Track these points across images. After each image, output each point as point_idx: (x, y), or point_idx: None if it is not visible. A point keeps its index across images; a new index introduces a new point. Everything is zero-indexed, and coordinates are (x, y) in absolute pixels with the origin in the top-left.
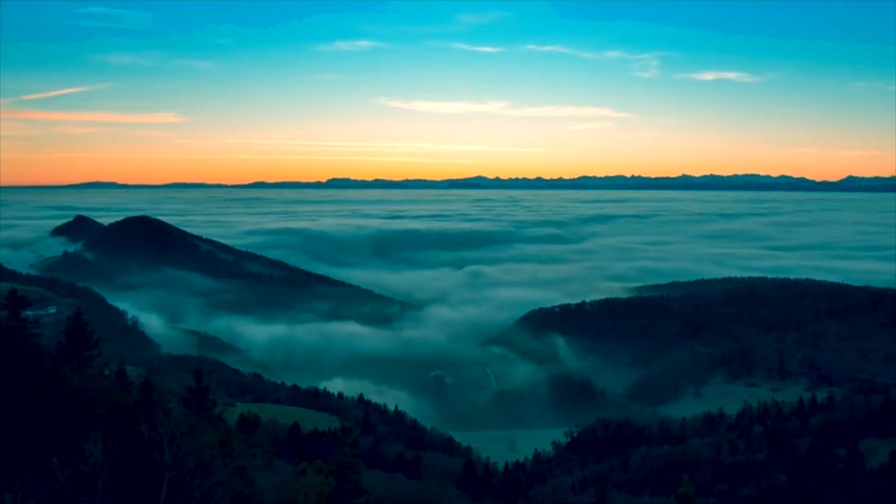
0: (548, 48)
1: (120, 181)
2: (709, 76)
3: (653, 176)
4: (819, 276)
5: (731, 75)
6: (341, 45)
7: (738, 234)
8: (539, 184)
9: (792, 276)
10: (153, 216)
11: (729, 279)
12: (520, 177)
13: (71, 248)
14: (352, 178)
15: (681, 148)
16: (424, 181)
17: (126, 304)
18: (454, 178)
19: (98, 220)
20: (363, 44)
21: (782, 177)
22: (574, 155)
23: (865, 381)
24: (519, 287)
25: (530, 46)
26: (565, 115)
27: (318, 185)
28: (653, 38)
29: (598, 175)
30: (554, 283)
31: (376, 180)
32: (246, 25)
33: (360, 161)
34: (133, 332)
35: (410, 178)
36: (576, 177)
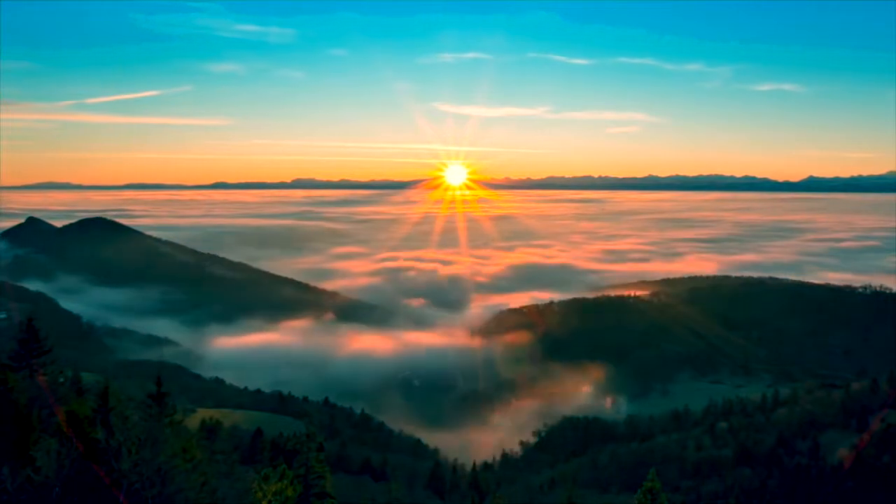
0: (637, 60)
1: (74, 181)
2: (766, 87)
3: (620, 176)
4: None
5: (787, 86)
6: (445, 57)
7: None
8: (504, 184)
9: (756, 276)
10: (107, 217)
11: (694, 278)
12: (489, 178)
13: (21, 251)
14: (317, 178)
15: (673, 149)
16: (390, 182)
17: (81, 309)
18: (422, 178)
19: (50, 221)
20: (469, 55)
21: (746, 177)
22: (566, 156)
23: (826, 377)
24: None
25: (622, 59)
26: (600, 119)
27: (281, 185)
28: (730, 53)
29: (567, 176)
30: None
31: (342, 181)
32: (370, 37)
33: (356, 162)
34: (88, 337)
35: (377, 179)
36: (544, 178)
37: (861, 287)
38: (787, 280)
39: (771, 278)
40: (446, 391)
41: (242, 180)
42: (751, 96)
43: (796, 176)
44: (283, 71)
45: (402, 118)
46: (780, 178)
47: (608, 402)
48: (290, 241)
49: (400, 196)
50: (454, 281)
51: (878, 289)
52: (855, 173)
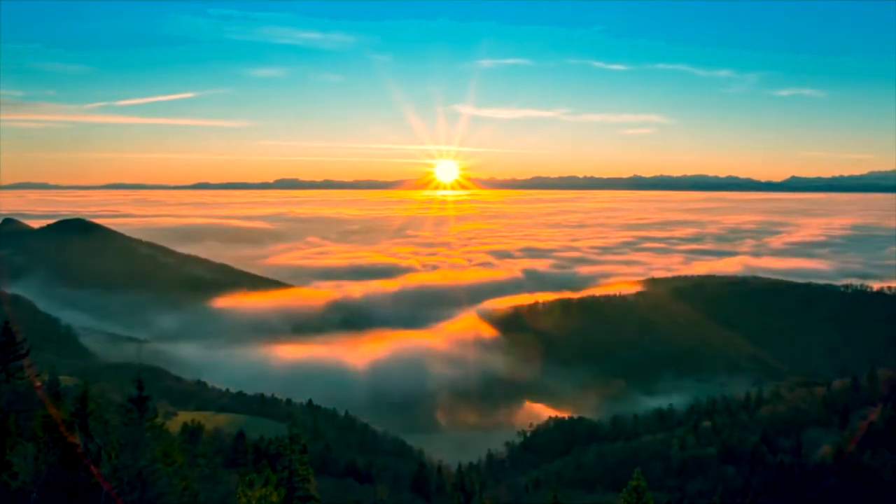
0: (672, 66)
1: (52, 181)
2: (784, 92)
3: (605, 177)
4: None
5: (806, 91)
6: (486, 63)
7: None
8: (489, 184)
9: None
10: (86, 217)
11: (679, 277)
12: (475, 178)
13: None
14: (300, 178)
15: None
16: (374, 182)
17: (59, 311)
18: (405, 178)
19: (27, 222)
20: (509, 61)
21: (729, 177)
22: (560, 156)
23: (808, 375)
24: None
25: (659, 65)
26: (616, 122)
27: (264, 186)
28: (760, 60)
29: (552, 176)
30: None
31: (325, 181)
32: (418, 42)
33: (348, 162)
34: (67, 340)
35: (361, 179)
36: (529, 178)
37: (842, 286)
38: (769, 279)
39: (754, 277)
40: (430, 392)
41: (226, 181)
42: (768, 101)
43: (779, 176)
44: (322, 75)
45: (409, 120)
46: (763, 178)
47: (592, 401)
48: (263, 240)
49: (386, 195)
50: (436, 280)
51: (858, 287)
52: (837, 174)
